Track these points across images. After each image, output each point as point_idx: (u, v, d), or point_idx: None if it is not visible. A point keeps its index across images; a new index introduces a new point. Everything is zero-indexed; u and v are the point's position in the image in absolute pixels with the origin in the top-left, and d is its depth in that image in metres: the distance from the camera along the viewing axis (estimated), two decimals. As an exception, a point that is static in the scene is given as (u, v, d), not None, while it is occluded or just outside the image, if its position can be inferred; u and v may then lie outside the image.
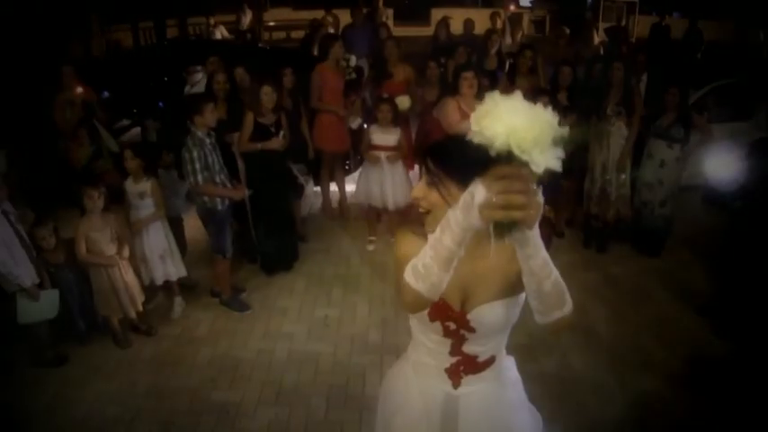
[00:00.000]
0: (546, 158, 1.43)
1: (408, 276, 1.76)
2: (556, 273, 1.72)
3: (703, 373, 4.64)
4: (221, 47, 10.66)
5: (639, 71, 7.33)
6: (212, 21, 13.84)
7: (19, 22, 11.31)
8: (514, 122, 1.44)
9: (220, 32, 15.04)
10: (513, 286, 1.99)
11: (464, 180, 1.81)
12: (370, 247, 6.56)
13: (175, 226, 5.65)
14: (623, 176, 6.26)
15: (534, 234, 1.59)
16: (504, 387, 2.29)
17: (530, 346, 4.77)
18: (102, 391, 4.49)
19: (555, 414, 3.80)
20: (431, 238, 1.69)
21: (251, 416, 4.21)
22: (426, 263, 1.70)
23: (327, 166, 7.14)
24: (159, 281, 5.30)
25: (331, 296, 5.71)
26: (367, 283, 5.92)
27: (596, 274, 6.07)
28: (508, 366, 2.35)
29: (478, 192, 1.47)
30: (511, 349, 2.35)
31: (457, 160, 1.88)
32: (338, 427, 4.08)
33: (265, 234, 5.93)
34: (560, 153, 1.45)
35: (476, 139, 1.49)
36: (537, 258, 1.66)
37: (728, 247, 5.46)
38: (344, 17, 11.71)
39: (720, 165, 6.30)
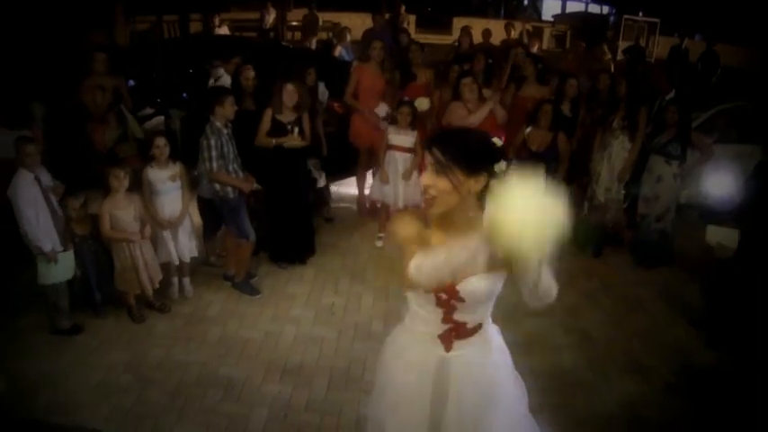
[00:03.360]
0: (534, 253, 1.99)
1: (412, 271, 2.23)
2: (549, 277, 2.15)
3: (690, 381, 4.81)
4: (245, 44, 10.87)
5: (665, 91, 7.49)
6: (217, 20, 14.02)
7: (45, 10, 11.61)
8: (522, 225, 1.92)
9: (224, 31, 15.01)
10: (496, 262, 2.24)
11: (469, 167, 2.19)
12: (379, 243, 6.80)
13: (212, 207, 5.84)
14: (621, 189, 6.48)
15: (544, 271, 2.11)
16: (489, 351, 2.55)
17: (526, 343, 4.95)
18: (116, 360, 4.71)
19: (542, 407, 3.98)
20: (438, 254, 2.20)
21: (255, 391, 4.43)
22: (427, 269, 2.19)
23: (363, 164, 7.40)
24: (184, 258, 5.58)
25: (338, 286, 5.94)
26: (373, 275, 6.15)
27: (594, 281, 6.27)
28: (493, 333, 2.61)
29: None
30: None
31: (462, 150, 2.17)
32: (337, 408, 4.29)
33: (280, 227, 6.17)
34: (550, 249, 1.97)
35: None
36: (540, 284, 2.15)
37: (723, 264, 5.64)
38: (365, 21, 12.01)
39: (718, 184, 6.49)
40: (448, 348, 2.48)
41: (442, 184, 2.17)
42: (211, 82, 7.20)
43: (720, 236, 6.08)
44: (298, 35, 19.78)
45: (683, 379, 4.84)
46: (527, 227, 1.88)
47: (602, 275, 6.43)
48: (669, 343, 5.33)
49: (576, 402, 4.48)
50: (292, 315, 5.42)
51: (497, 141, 2.26)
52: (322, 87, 7.06)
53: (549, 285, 2.12)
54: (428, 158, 2.22)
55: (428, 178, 2.21)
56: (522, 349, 4.76)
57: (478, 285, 2.31)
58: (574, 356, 5.03)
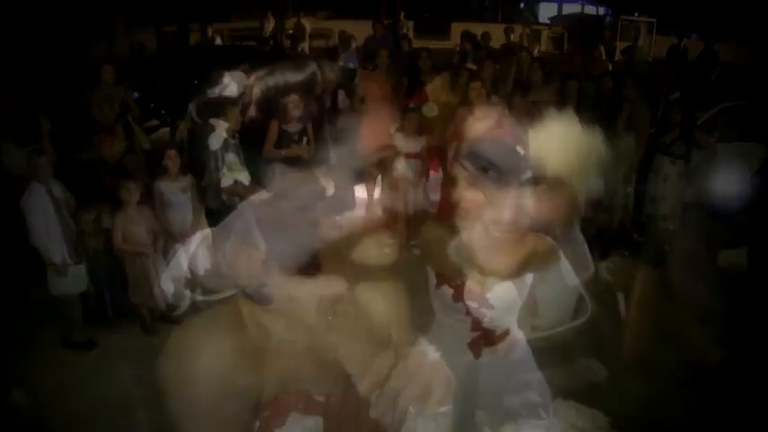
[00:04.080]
0: (584, 181, 1.83)
1: (453, 255, 2.17)
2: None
3: (699, 379, 4.84)
4: (251, 53, 10.92)
5: (669, 90, 7.55)
6: (210, 30, 14.04)
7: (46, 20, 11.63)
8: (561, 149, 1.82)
9: (218, 42, 15.22)
10: (523, 268, 2.28)
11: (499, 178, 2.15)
12: (387, 250, 6.77)
13: (220, 217, 5.88)
14: (628, 189, 6.53)
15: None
16: (517, 356, 2.70)
17: (533, 344, 5.01)
18: (131, 373, 4.68)
19: (557, 410, 4.03)
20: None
21: (272, 399, 4.44)
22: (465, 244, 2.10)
23: (370, 170, 7.41)
24: (197, 270, 5.52)
25: (348, 292, 5.90)
26: (383, 281, 6.11)
27: (600, 281, 6.28)
28: (520, 338, 2.71)
29: None
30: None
31: (491, 161, 2.15)
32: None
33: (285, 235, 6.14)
34: (599, 180, 1.85)
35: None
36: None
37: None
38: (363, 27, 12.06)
39: (725, 182, 6.52)
40: (477, 356, 2.53)
41: (471, 195, 2.19)
42: (217, 92, 7.21)
43: (733, 258, 6.11)
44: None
45: (691, 377, 4.86)
46: (568, 145, 1.81)
47: (609, 276, 6.44)
48: (677, 341, 5.35)
49: (585, 402, 4.51)
50: (305, 322, 5.40)
51: (520, 151, 2.24)
52: (342, 95, 7.06)
53: (584, 249, 2.03)
54: (458, 171, 2.24)
55: (458, 192, 2.24)
56: (531, 349, 4.82)
57: (507, 292, 2.35)
58: (583, 356, 5.05)
